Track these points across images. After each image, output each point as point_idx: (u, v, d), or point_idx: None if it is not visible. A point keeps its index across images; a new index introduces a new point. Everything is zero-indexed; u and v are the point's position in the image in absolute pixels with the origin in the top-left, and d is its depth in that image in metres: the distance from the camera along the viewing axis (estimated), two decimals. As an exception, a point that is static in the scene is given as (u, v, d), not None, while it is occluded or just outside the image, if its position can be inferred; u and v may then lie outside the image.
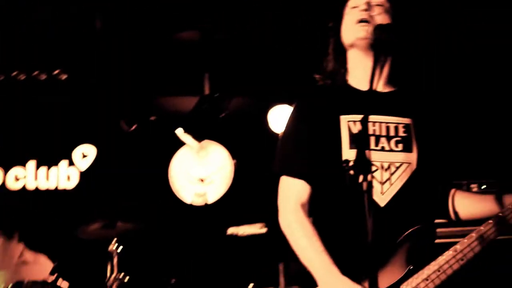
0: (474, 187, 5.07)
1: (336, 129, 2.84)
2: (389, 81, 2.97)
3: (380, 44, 2.73)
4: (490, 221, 2.71)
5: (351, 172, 2.30)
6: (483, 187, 5.12)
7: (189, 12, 6.31)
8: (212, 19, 6.44)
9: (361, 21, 2.87)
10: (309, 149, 2.87)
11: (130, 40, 6.60)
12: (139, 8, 6.21)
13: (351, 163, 2.30)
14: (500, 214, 2.71)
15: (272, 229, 6.47)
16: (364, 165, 2.26)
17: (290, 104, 6.78)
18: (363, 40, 2.85)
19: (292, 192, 2.87)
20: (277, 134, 6.83)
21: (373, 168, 2.79)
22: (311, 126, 2.90)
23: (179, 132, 7.22)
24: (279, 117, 6.94)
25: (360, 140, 2.42)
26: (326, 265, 2.68)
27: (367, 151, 2.32)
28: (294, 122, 2.99)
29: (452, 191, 3.00)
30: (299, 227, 2.79)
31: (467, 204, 2.95)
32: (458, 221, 3.01)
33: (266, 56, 6.88)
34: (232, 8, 6.28)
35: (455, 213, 2.97)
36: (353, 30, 2.90)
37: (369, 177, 2.25)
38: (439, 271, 2.65)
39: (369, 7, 2.90)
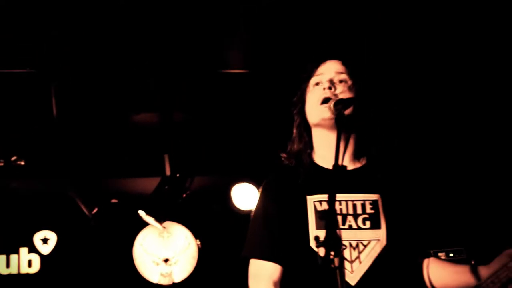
0: (442, 255, 5.08)
1: (303, 209, 2.81)
2: (355, 156, 2.94)
3: (342, 119, 2.67)
4: None
5: (322, 249, 2.28)
6: (450, 254, 5.14)
7: (147, 94, 6.34)
8: (170, 101, 6.47)
9: (325, 100, 2.84)
10: (277, 231, 2.84)
11: (88, 123, 6.58)
12: (96, 92, 6.22)
13: (321, 240, 2.27)
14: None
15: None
16: (334, 242, 2.24)
17: (252, 181, 6.81)
18: (328, 121, 2.82)
19: (263, 273, 2.83)
20: (241, 211, 6.81)
21: (342, 247, 2.72)
22: (279, 207, 2.87)
23: (142, 213, 7.16)
24: (242, 195, 6.93)
25: (328, 218, 2.39)
26: None
27: (336, 230, 2.30)
28: (262, 203, 2.96)
29: (426, 260, 2.97)
30: None
31: (443, 275, 2.90)
32: None
33: (227, 135, 6.92)
34: (191, 89, 6.33)
35: (431, 284, 2.93)
36: (317, 110, 2.86)
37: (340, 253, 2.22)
38: None
39: (332, 84, 2.88)
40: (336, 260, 2.19)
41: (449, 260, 4.97)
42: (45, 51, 5.50)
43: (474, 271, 2.77)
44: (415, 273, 2.95)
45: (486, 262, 2.78)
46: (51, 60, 5.68)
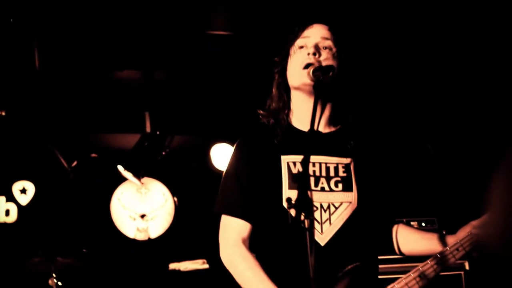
0: (414, 224, 5.17)
1: (277, 169, 2.86)
2: (331, 121, 2.98)
3: (320, 86, 2.73)
4: (429, 261, 2.79)
5: (293, 210, 2.33)
6: (422, 224, 5.23)
7: (130, 51, 6.35)
8: (153, 59, 6.49)
9: (307, 66, 2.86)
10: (249, 189, 2.89)
11: (70, 77, 6.59)
12: (81, 47, 6.22)
13: (293, 202, 2.33)
14: (440, 255, 2.79)
15: (213, 265, 6.47)
16: (306, 203, 2.29)
17: (231, 142, 6.87)
18: (308, 86, 2.84)
19: (232, 230, 2.88)
20: (218, 171, 6.87)
21: (313, 209, 2.79)
22: (252, 165, 2.92)
23: (121, 168, 7.20)
24: (220, 155, 7.00)
25: (301, 180, 2.44)
26: None
27: (308, 191, 2.34)
28: (235, 161, 3.00)
29: (395, 226, 3.05)
30: (242, 261, 2.82)
31: (411, 240, 2.99)
32: (402, 256, 3.07)
33: (208, 95, 6.95)
34: (175, 48, 6.34)
35: (399, 248, 3.03)
36: (299, 74, 2.88)
37: (312, 214, 2.28)
38: None
39: (316, 50, 2.88)
40: (306, 222, 2.25)
41: (420, 229, 5.07)
42: (29, 4, 5.49)
43: (441, 239, 2.87)
44: (384, 237, 3.04)
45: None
46: (35, 12, 5.67)
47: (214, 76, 6.75)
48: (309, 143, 2.62)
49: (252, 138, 3.02)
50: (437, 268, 2.77)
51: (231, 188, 2.94)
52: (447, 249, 2.78)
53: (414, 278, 2.75)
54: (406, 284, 2.74)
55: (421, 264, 2.79)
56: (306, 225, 2.27)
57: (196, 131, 7.48)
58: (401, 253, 3.04)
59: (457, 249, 2.78)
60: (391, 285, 2.75)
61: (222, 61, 6.51)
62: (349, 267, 2.72)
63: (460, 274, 5.08)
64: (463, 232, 2.81)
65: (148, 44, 6.28)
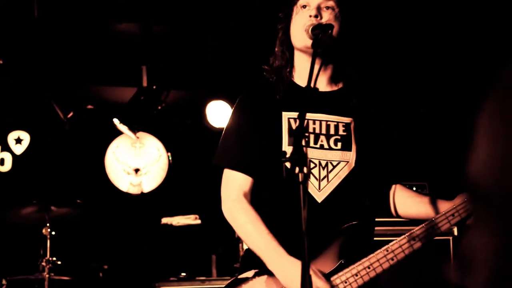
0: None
1: (277, 124, 2.88)
2: (332, 80, 2.98)
3: (318, 44, 2.71)
4: (424, 224, 2.80)
5: (288, 164, 2.36)
6: (413, 188, 5.28)
7: (128, 4, 6.32)
8: (152, 12, 6.46)
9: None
10: (250, 143, 2.91)
11: (69, 29, 6.56)
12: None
13: (287, 155, 2.35)
14: (435, 219, 2.80)
15: (205, 221, 6.53)
16: (300, 157, 2.32)
17: (227, 99, 6.88)
18: (311, 48, 2.79)
19: (234, 183, 2.91)
20: (214, 128, 6.89)
21: (312, 165, 2.84)
22: (253, 120, 2.93)
23: (116, 121, 7.22)
24: (216, 112, 7.01)
25: (296, 135, 2.45)
26: (272, 246, 2.74)
27: (304, 147, 2.37)
28: (236, 115, 3.01)
29: (393, 187, 3.07)
30: (242, 214, 2.85)
31: (408, 203, 3.01)
32: (398, 218, 3.09)
33: (206, 51, 6.93)
34: (174, 1, 6.31)
35: (396, 210, 3.05)
36: (301, 36, 2.86)
37: (305, 169, 2.30)
38: (369, 268, 2.72)
39: (318, 12, 2.86)
40: (300, 175, 2.28)
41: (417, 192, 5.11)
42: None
43: (437, 203, 2.89)
44: (381, 199, 3.06)
45: (447, 198, 2.89)
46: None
47: (212, 31, 6.72)
48: (305, 99, 2.59)
49: (255, 93, 3.03)
50: (431, 232, 2.78)
51: (232, 142, 2.96)
52: (443, 214, 2.81)
53: (408, 241, 2.77)
54: (400, 246, 2.76)
55: (416, 228, 2.81)
56: (300, 179, 2.29)
57: (192, 87, 7.48)
58: (397, 215, 3.06)
59: (452, 215, 2.80)
60: (385, 246, 2.77)
61: (220, 15, 6.48)
62: (345, 225, 2.76)
63: (449, 239, 5.14)
64: (460, 199, 2.84)
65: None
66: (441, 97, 6.35)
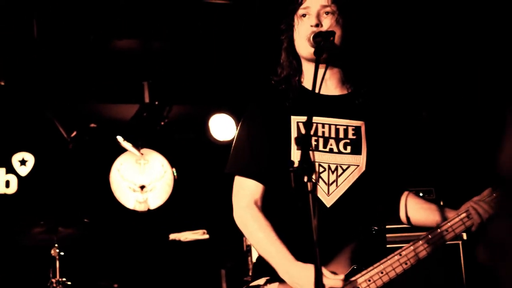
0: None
1: (286, 129, 2.89)
2: (341, 84, 3.00)
3: (320, 51, 2.72)
4: (437, 229, 2.80)
5: (296, 173, 2.35)
6: (420, 194, 5.26)
7: (127, 21, 6.33)
8: (151, 28, 6.46)
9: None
10: (260, 150, 2.93)
11: (68, 47, 6.57)
12: (79, 15, 6.19)
13: (295, 164, 2.35)
14: (447, 223, 2.82)
15: (213, 235, 6.53)
16: (308, 166, 2.31)
17: (230, 112, 6.87)
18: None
19: (245, 191, 2.92)
20: (218, 142, 6.89)
21: (321, 169, 2.85)
22: (263, 126, 2.95)
23: (120, 139, 7.21)
24: (219, 125, 7.00)
25: (303, 142, 2.46)
26: (282, 253, 2.75)
27: (311, 152, 2.36)
28: (246, 123, 3.03)
29: (404, 193, 3.07)
30: (253, 222, 2.85)
31: (418, 211, 3.02)
32: (409, 224, 3.08)
33: (206, 65, 6.94)
34: (173, 17, 6.32)
35: (407, 217, 3.05)
36: (304, 45, 2.89)
37: (314, 177, 2.29)
38: (382, 273, 2.73)
39: (318, 20, 2.88)
40: (309, 185, 2.28)
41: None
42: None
43: (445, 212, 2.89)
44: (392, 204, 3.06)
45: (454, 203, 2.91)
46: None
47: (212, 45, 6.73)
48: (312, 104, 2.66)
49: (263, 101, 3.04)
50: (445, 236, 2.79)
51: (243, 149, 2.97)
52: (457, 216, 2.81)
53: (422, 245, 2.77)
54: (413, 250, 2.76)
55: (429, 232, 2.81)
56: (309, 188, 2.28)
57: (194, 101, 7.48)
58: (408, 221, 3.06)
59: (467, 216, 2.82)
60: (398, 251, 2.77)
61: (221, 30, 6.49)
62: (356, 230, 2.78)
63: (458, 243, 5.15)
64: (464, 207, 2.86)
65: (146, 13, 6.26)
66: (444, 100, 6.33)
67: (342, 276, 2.67)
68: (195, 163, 7.48)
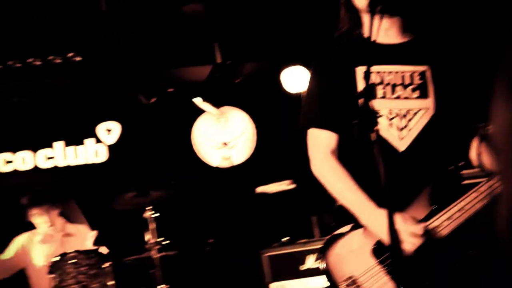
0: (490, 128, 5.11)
1: (352, 80, 2.92)
2: (403, 31, 3.00)
3: (374, 2, 2.73)
4: None
5: (360, 123, 2.41)
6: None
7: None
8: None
9: None
10: (330, 101, 2.98)
11: (140, 16, 6.70)
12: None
13: (362, 114, 2.40)
14: None
15: (300, 184, 6.58)
16: (371, 115, 2.36)
17: (301, 64, 6.88)
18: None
19: (321, 142, 2.99)
20: (292, 94, 6.92)
21: (391, 116, 2.89)
22: (329, 79, 3.00)
23: (198, 100, 7.34)
24: (293, 77, 7.02)
25: (365, 92, 2.50)
26: (363, 201, 2.84)
27: (375, 101, 2.40)
28: (314, 77, 3.09)
29: (475, 134, 3.03)
30: (331, 172, 2.94)
31: (489, 154, 2.98)
32: (480, 169, 3.04)
33: (274, 16, 6.96)
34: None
35: (478, 159, 3.01)
36: None
37: (377, 127, 2.34)
38: (461, 210, 2.76)
39: None
40: (372, 135, 2.34)
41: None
42: None
43: None
44: (462, 144, 3.04)
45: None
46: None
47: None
48: (374, 53, 2.68)
49: (328, 54, 3.08)
50: None
51: (313, 102, 3.05)
52: None
53: (498, 180, 2.77)
54: (491, 186, 2.77)
55: None
56: (373, 138, 2.34)
57: (265, 56, 7.52)
58: (479, 164, 3.03)
59: None
60: (475, 187, 2.79)
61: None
62: (432, 171, 2.80)
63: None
64: None
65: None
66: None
67: (422, 224, 2.73)
68: (273, 116, 7.52)
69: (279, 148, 7.30)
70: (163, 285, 5.62)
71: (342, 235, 2.92)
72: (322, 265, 2.91)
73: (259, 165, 7.58)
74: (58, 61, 6.73)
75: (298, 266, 5.49)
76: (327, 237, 2.97)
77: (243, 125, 7.76)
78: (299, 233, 5.99)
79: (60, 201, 5.88)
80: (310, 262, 5.53)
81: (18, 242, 5.84)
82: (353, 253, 2.87)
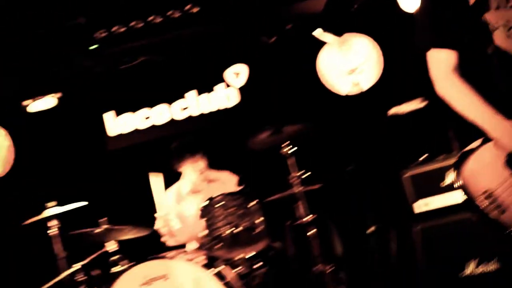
0: None
1: None
2: None
3: None
4: None
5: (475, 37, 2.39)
6: None
7: None
8: None
9: None
10: (445, 18, 2.95)
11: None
12: None
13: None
14: None
15: (432, 100, 6.47)
16: (484, 28, 2.33)
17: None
18: None
19: (441, 62, 3.00)
20: (408, 14, 6.76)
21: (509, 26, 2.79)
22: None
23: (318, 32, 7.33)
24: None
25: (478, 4, 2.46)
26: (491, 114, 2.86)
27: (488, 12, 2.36)
28: None
29: None
30: (455, 90, 2.96)
31: None
32: None
33: None
34: None
35: None
36: None
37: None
38: None
39: None
40: (489, 48, 2.33)
41: None
42: None
43: None
44: None
45: None
46: None
47: None
48: None
49: None
50: None
51: (428, 22, 3.04)
52: None
53: None
54: None
55: None
56: (490, 51, 2.34)
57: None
58: None
59: None
60: None
61: None
62: None
63: None
64: None
65: None
66: None
67: None
68: (395, 37, 7.40)
69: (405, 68, 7.19)
70: (310, 215, 5.77)
71: (473, 150, 2.95)
72: (457, 183, 2.95)
73: (388, 88, 7.51)
74: (178, 15, 6.90)
75: (439, 182, 5.46)
76: (459, 153, 3.00)
77: (367, 50, 7.67)
78: (438, 149, 5.92)
79: (207, 149, 6.11)
80: (451, 177, 5.47)
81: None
82: (486, 167, 2.89)
